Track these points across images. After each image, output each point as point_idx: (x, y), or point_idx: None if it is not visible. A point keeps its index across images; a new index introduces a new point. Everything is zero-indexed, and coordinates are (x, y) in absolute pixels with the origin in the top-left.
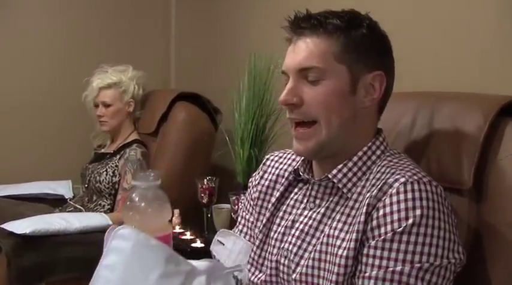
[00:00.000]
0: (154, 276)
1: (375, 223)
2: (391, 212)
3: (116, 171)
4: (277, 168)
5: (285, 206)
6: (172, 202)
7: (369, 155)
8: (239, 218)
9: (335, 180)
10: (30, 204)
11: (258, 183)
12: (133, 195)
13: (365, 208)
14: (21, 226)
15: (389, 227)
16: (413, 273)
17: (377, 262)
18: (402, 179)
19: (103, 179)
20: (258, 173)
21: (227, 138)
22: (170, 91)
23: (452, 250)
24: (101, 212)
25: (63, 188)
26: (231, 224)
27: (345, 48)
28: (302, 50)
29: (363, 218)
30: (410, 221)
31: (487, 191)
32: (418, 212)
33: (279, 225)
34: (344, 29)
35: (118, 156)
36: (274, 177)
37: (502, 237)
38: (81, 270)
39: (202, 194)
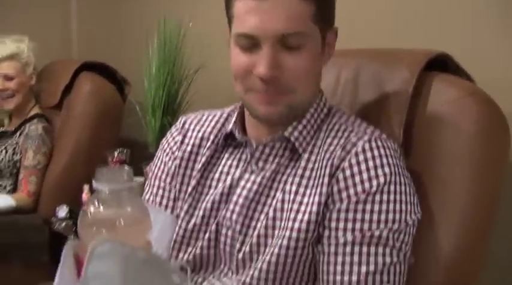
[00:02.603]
0: None
1: (342, 184)
2: (360, 172)
3: (16, 149)
4: (199, 131)
5: (216, 174)
6: (81, 178)
7: (318, 112)
8: (153, 189)
9: (292, 138)
10: None
11: (178, 149)
12: (96, 202)
13: (328, 169)
14: None
15: (359, 188)
16: (390, 235)
17: (350, 225)
18: (365, 137)
19: (2, 159)
20: (173, 138)
21: (137, 108)
22: (73, 62)
23: (416, 205)
24: (1, 193)
25: None
26: None
27: (318, 7)
28: (279, 12)
29: (326, 180)
30: (381, 179)
31: (416, 146)
32: (386, 169)
33: (208, 194)
34: None
35: (18, 133)
36: (197, 141)
37: (432, 192)
38: None
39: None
